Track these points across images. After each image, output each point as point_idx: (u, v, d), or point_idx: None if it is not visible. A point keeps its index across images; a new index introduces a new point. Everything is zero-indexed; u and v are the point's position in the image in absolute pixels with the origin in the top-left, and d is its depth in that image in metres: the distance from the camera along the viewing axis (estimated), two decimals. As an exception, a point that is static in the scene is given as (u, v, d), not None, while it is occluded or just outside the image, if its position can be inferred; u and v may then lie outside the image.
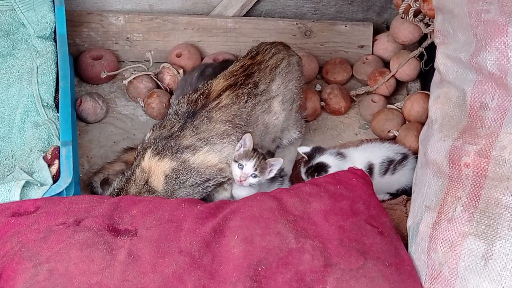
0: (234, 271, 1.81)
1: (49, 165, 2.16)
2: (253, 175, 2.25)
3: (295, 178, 2.55)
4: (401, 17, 2.72)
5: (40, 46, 2.55)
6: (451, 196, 1.88)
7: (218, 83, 2.34)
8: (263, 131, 2.37)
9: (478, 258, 1.75)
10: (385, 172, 2.40)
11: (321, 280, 1.80)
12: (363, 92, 2.85)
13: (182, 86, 2.62)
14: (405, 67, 2.76)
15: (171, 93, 2.79)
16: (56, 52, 2.52)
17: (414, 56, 2.75)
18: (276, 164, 2.28)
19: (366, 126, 2.79)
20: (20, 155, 2.26)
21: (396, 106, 2.76)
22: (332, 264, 1.84)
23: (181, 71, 2.82)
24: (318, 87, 2.92)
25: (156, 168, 2.21)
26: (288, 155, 2.59)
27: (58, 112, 2.37)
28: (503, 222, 1.73)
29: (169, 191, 2.22)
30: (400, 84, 2.86)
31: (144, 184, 2.21)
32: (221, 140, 2.26)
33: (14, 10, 2.65)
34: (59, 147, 2.20)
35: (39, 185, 2.10)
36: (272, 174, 2.29)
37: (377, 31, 3.02)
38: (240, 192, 2.30)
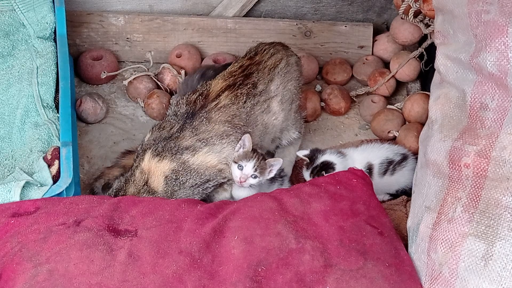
0: (234, 272, 1.81)
1: (49, 166, 2.16)
2: (253, 176, 2.25)
3: (295, 178, 2.55)
4: (401, 18, 2.72)
5: (40, 47, 2.55)
6: (451, 197, 1.88)
7: (217, 83, 2.34)
8: (263, 131, 2.37)
9: (478, 259, 1.75)
10: (384, 172, 2.41)
11: (321, 280, 1.80)
12: (363, 92, 2.85)
13: (183, 89, 2.62)
14: (405, 68, 2.76)
15: (171, 93, 2.79)
16: (56, 52, 2.52)
17: (414, 57, 2.75)
18: (276, 164, 2.28)
19: (366, 126, 2.79)
20: (20, 156, 2.26)
21: (396, 107, 2.76)
22: (332, 264, 1.84)
23: (182, 72, 2.82)
24: (318, 87, 2.92)
25: (155, 169, 2.21)
26: (288, 156, 2.59)
27: (58, 112, 2.37)
28: (503, 222, 1.73)
29: (169, 192, 2.22)
30: (400, 85, 2.86)
31: (144, 185, 2.21)
32: (220, 141, 2.26)
33: (14, 10, 2.64)
34: (59, 147, 2.20)
35: (39, 185, 2.10)
36: (272, 174, 2.29)
37: (377, 32, 3.02)
38: (240, 193, 2.30)
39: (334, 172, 2.29)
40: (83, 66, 2.84)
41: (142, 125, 2.73)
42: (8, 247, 1.86)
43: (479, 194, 1.80)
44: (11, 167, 2.25)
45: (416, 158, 2.40)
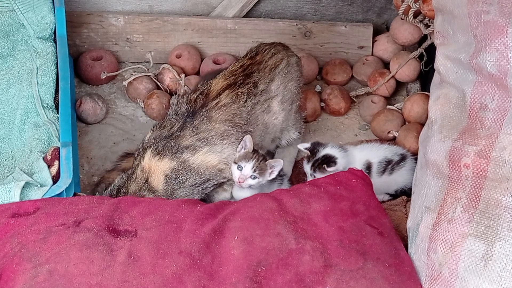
0: (234, 272, 1.81)
1: (49, 166, 2.16)
2: (252, 177, 2.25)
3: (294, 178, 2.55)
4: (401, 18, 2.72)
5: (40, 47, 2.55)
6: (451, 197, 1.88)
7: (218, 82, 2.34)
8: (263, 131, 2.38)
9: (478, 259, 1.75)
10: (383, 172, 2.41)
11: (321, 281, 1.80)
12: (363, 93, 2.85)
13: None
14: (405, 68, 2.76)
15: (171, 94, 2.79)
16: (56, 53, 2.52)
17: (414, 57, 2.75)
18: (276, 166, 2.28)
19: (366, 127, 2.79)
20: (20, 156, 2.26)
21: (396, 107, 2.76)
22: (332, 265, 1.84)
23: (182, 75, 2.81)
24: (318, 88, 2.92)
25: (156, 168, 2.22)
26: (288, 156, 2.59)
27: (58, 113, 2.37)
28: (503, 223, 1.73)
29: (169, 190, 2.22)
30: (400, 85, 2.86)
31: (144, 182, 2.22)
32: (221, 141, 2.26)
33: (14, 11, 2.65)
34: (59, 148, 2.20)
35: (39, 186, 2.10)
36: (273, 176, 2.29)
37: (377, 32, 3.02)
38: (240, 193, 2.30)
39: (336, 166, 2.29)
40: (83, 66, 2.85)
41: (142, 125, 2.73)
42: (8, 248, 1.86)
43: (479, 195, 1.80)
44: (11, 168, 2.25)
45: (415, 159, 2.40)
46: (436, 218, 1.90)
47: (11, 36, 2.61)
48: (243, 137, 2.28)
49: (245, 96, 2.31)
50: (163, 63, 2.88)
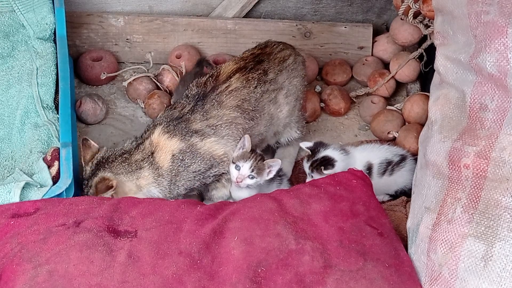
0: (234, 272, 1.81)
1: (49, 167, 2.16)
2: (250, 176, 2.25)
3: (294, 179, 2.55)
4: (401, 19, 2.72)
5: (40, 48, 2.55)
6: (450, 197, 1.88)
7: (228, 65, 2.36)
8: (268, 121, 2.39)
9: (477, 260, 1.75)
10: (383, 173, 2.41)
11: (320, 281, 1.80)
12: (363, 93, 2.85)
13: (182, 86, 2.63)
14: (405, 68, 2.76)
15: (170, 94, 2.79)
16: (56, 53, 2.52)
17: (414, 58, 2.75)
18: (274, 166, 2.28)
19: (366, 127, 2.79)
20: (20, 157, 2.26)
21: (396, 107, 2.77)
22: (332, 265, 1.84)
23: (183, 63, 2.82)
24: (318, 88, 2.92)
25: (164, 145, 2.23)
26: (288, 157, 2.59)
27: (58, 113, 2.37)
28: (503, 223, 1.73)
29: (174, 171, 2.24)
30: (399, 85, 2.86)
31: (150, 155, 2.23)
32: (228, 131, 2.27)
33: (14, 11, 2.64)
34: (59, 148, 2.20)
35: (38, 186, 2.10)
36: (271, 175, 2.29)
37: (376, 33, 3.02)
38: (239, 193, 2.30)
39: (333, 169, 2.29)
40: (83, 67, 2.85)
41: (141, 126, 2.73)
42: (8, 248, 1.86)
43: (478, 195, 1.80)
44: (11, 168, 2.25)
45: (415, 159, 2.40)
46: (436, 218, 1.90)
47: (11, 37, 2.61)
48: (249, 125, 2.29)
49: (256, 82, 2.32)
50: (163, 64, 2.88)
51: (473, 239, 1.77)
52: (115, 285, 1.76)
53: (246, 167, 2.24)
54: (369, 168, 2.40)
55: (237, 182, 2.25)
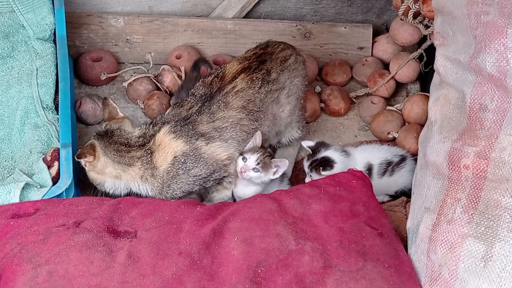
0: (234, 273, 1.82)
1: (49, 167, 2.16)
2: (254, 169, 2.25)
3: (294, 179, 2.55)
4: (401, 19, 2.72)
5: (39, 48, 2.55)
6: (450, 198, 1.88)
7: (232, 65, 2.36)
8: (272, 121, 2.39)
9: (477, 260, 1.75)
10: (383, 173, 2.41)
11: (320, 281, 1.80)
12: (363, 93, 2.85)
13: (184, 85, 2.63)
14: (405, 69, 2.76)
15: (170, 94, 2.79)
16: (56, 54, 2.52)
17: (414, 58, 2.75)
18: (282, 166, 2.28)
19: (366, 127, 2.79)
20: (19, 157, 2.27)
21: (395, 108, 2.77)
22: (332, 265, 1.84)
23: (182, 68, 2.82)
24: (318, 88, 2.92)
25: (167, 145, 2.22)
26: (288, 157, 2.59)
27: (57, 113, 2.37)
28: (503, 223, 1.73)
29: (172, 173, 2.22)
30: (399, 86, 2.86)
31: (149, 154, 2.22)
32: (232, 134, 2.27)
33: (14, 12, 2.64)
34: (58, 148, 2.20)
35: (38, 187, 2.10)
36: (277, 175, 2.29)
37: (376, 33, 3.02)
38: (244, 191, 2.30)
39: (332, 170, 2.29)
40: (82, 67, 2.85)
41: (141, 126, 2.73)
42: (8, 249, 1.86)
43: (478, 195, 1.80)
44: (11, 169, 2.25)
45: (415, 160, 2.40)
46: (436, 218, 1.90)
47: (11, 37, 2.61)
48: (254, 126, 2.30)
49: (260, 82, 2.33)
50: (163, 64, 2.88)
51: (473, 240, 1.77)
52: (115, 286, 1.76)
53: (252, 159, 2.25)
54: (369, 168, 2.40)
55: (241, 172, 2.25)
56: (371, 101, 2.80)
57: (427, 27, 2.65)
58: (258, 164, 2.25)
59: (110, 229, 1.92)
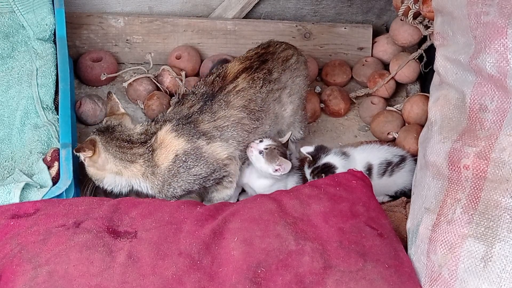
0: (234, 273, 1.82)
1: (49, 167, 2.16)
2: (260, 152, 2.28)
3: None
4: (401, 19, 2.72)
5: (39, 48, 2.55)
6: (450, 198, 1.88)
7: (234, 65, 2.36)
8: (273, 120, 2.39)
9: (477, 260, 1.75)
10: (383, 173, 2.41)
11: (320, 282, 1.80)
12: (363, 94, 2.85)
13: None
14: (405, 69, 2.76)
15: (171, 95, 2.79)
16: (56, 54, 2.52)
17: (414, 58, 2.75)
18: (284, 167, 2.29)
19: (366, 128, 2.80)
20: (19, 157, 2.27)
21: (395, 108, 2.77)
22: (332, 266, 1.84)
23: (183, 73, 2.82)
24: (318, 89, 2.92)
25: (169, 144, 2.22)
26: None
27: (57, 114, 2.37)
28: (503, 224, 1.73)
29: (173, 171, 2.22)
30: (399, 86, 2.86)
31: (151, 152, 2.22)
32: (233, 133, 2.28)
33: (14, 12, 2.65)
34: (58, 149, 2.20)
35: (38, 187, 2.10)
36: (277, 173, 2.30)
37: (376, 33, 3.02)
38: (258, 182, 2.35)
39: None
40: (82, 67, 2.85)
41: (141, 126, 2.73)
42: (8, 249, 1.86)
43: (478, 196, 1.80)
44: (11, 169, 2.25)
45: (414, 160, 2.40)
46: (436, 219, 1.90)
47: (11, 37, 2.61)
48: (255, 125, 2.31)
49: (261, 82, 2.33)
50: (163, 64, 2.88)
51: (473, 240, 1.77)
52: (115, 286, 1.76)
53: (265, 143, 2.30)
54: (369, 168, 2.40)
55: (250, 147, 2.29)
56: (371, 102, 2.80)
57: (427, 27, 2.65)
58: (266, 149, 2.28)
59: (110, 230, 1.92)
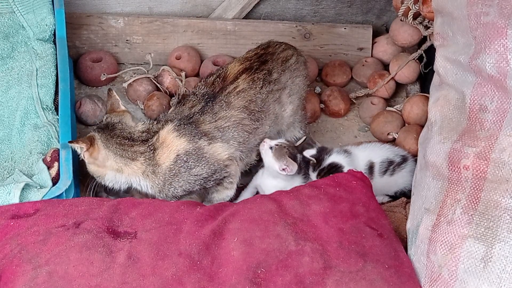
0: (234, 274, 1.81)
1: (49, 168, 2.16)
2: (270, 147, 2.31)
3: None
4: (401, 20, 2.71)
5: (39, 49, 2.55)
6: (450, 199, 1.88)
7: (234, 66, 2.37)
8: (273, 121, 2.40)
9: (477, 261, 1.75)
10: (384, 172, 2.41)
11: (320, 282, 1.80)
12: (363, 94, 2.85)
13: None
14: (405, 70, 2.76)
15: (170, 95, 2.79)
16: (56, 54, 2.52)
17: (414, 59, 2.75)
18: (290, 168, 2.30)
19: (366, 128, 2.79)
20: (19, 158, 2.27)
21: (395, 109, 2.77)
22: (332, 266, 1.84)
23: (183, 73, 2.82)
24: (318, 89, 2.92)
25: (171, 143, 2.22)
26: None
27: (57, 114, 2.37)
28: (503, 224, 1.73)
29: (174, 171, 2.22)
30: (399, 87, 2.86)
31: (152, 150, 2.22)
32: (234, 133, 2.28)
33: (14, 12, 2.65)
34: (58, 149, 2.20)
35: (38, 187, 2.10)
36: (282, 172, 2.31)
37: (376, 34, 3.02)
38: (264, 180, 2.39)
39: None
40: (82, 68, 2.85)
41: (141, 127, 2.73)
42: (8, 249, 1.86)
43: (478, 196, 1.80)
44: (11, 169, 2.25)
45: (415, 160, 2.40)
46: (436, 219, 1.90)
47: (11, 38, 2.61)
48: (255, 126, 2.32)
49: (261, 82, 2.34)
50: (163, 65, 2.88)
51: (473, 240, 1.77)
52: (114, 286, 1.76)
53: (278, 140, 2.34)
54: (371, 166, 2.40)
55: (264, 141, 2.33)
56: (371, 102, 2.80)
57: (427, 28, 2.65)
58: (277, 145, 2.31)
59: (110, 230, 1.92)
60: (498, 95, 1.82)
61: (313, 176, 2.37)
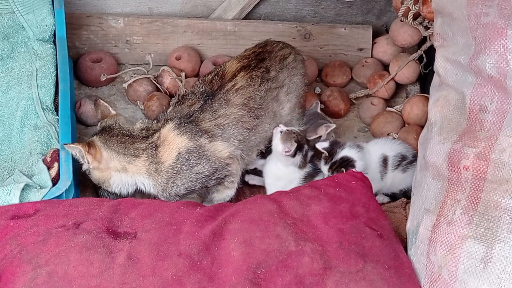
0: (234, 274, 1.81)
1: (49, 168, 2.16)
2: (281, 131, 2.34)
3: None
4: (401, 20, 2.72)
5: (39, 49, 2.55)
6: (450, 199, 1.88)
7: (232, 64, 2.38)
8: (272, 119, 2.41)
9: (477, 261, 1.75)
10: (397, 166, 2.40)
11: (320, 283, 1.80)
12: (363, 95, 2.85)
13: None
14: (405, 70, 2.76)
15: (170, 96, 2.79)
16: (56, 55, 2.52)
17: (414, 59, 2.75)
18: (291, 149, 2.32)
19: (366, 129, 2.79)
20: (19, 158, 2.27)
21: (395, 109, 2.77)
22: (332, 267, 1.84)
23: (183, 74, 2.82)
24: (318, 90, 2.92)
25: (172, 141, 2.23)
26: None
27: (57, 114, 2.37)
28: (503, 225, 1.73)
29: (176, 169, 2.23)
30: (399, 87, 2.86)
31: (154, 148, 2.23)
32: (234, 131, 2.29)
33: (14, 12, 2.65)
34: (58, 150, 2.20)
35: (38, 188, 2.10)
36: (284, 153, 2.33)
37: (376, 34, 3.02)
38: (270, 167, 2.41)
39: (354, 169, 2.28)
40: (82, 68, 2.85)
41: (141, 127, 2.73)
42: (8, 250, 1.86)
43: (478, 197, 1.80)
44: (11, 170, 2.25)
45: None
46: (436, 220, 1.90)
47: (11, 38, 2.61)
48: (255, 123, 2.33)
49: (259, 80, 2.35)
50: (163, 65, 2.88)
51: (473, 241, 1.77)
52: (114, 287, 1.76)
53: (290, 128, 2.37)
54: (385, 159, 2.39)
55: (278, 125, 2.37)
56: (371, 102, 2.80)
57: (427, 28, 2.65)
58: (286, 131, 2.34)
59: (110, 230, 1.92)
60: (498, 96, 1.82)
61: (324, 169, 2.36)
